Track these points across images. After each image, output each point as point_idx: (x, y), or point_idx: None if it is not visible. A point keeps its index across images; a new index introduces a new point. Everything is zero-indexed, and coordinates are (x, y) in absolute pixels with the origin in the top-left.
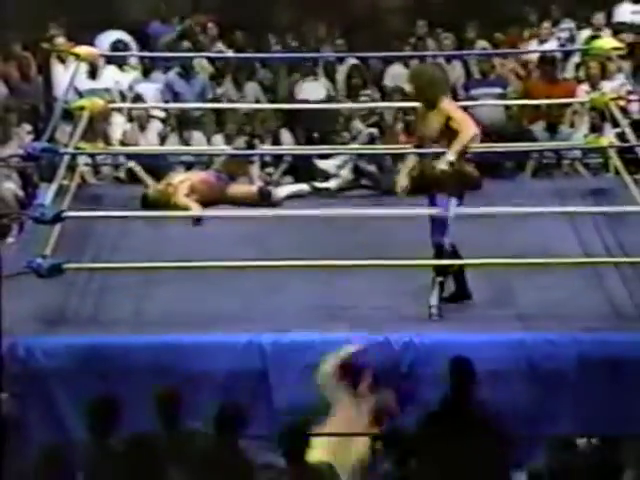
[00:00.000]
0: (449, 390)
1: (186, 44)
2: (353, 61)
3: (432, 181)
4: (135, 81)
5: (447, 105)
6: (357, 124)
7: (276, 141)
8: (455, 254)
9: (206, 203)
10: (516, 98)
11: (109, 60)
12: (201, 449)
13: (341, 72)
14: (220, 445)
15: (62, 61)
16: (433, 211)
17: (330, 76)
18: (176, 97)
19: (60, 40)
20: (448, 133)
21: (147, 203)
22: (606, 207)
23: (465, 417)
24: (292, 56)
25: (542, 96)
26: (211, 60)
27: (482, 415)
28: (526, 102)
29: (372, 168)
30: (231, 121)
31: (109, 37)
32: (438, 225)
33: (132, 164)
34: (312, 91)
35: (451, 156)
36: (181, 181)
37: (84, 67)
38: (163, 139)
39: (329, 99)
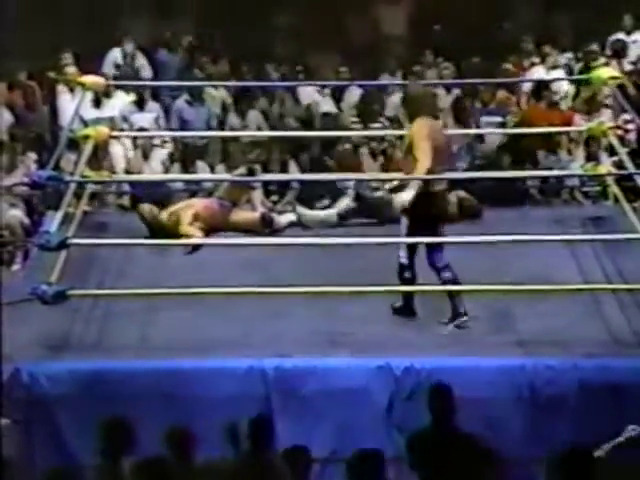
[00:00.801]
0: (431, 417)
1: (196, 72)
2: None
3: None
4: (129, 111)
5: (417, 128)
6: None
7: (284, 170)
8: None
9: (209, 230)
10: (515, 126)
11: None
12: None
13: (349, 100)
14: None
15: (71, 90)
16: (436, 239)
17: (337, 103)
18: (184, 125)
19: (70, 69)
20: (410, 158)
21: (153, 231)
22: (605, 235)
23: (448, 442)
24: (297, 84)
25: (542, 122)
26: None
27: (466, 440)
28: (526, 131)
29: (374, 195)
30: (235, 149)
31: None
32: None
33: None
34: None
35: (407, 197)
36: (184, 208)
37: (90, 96)
38: (167, 168)
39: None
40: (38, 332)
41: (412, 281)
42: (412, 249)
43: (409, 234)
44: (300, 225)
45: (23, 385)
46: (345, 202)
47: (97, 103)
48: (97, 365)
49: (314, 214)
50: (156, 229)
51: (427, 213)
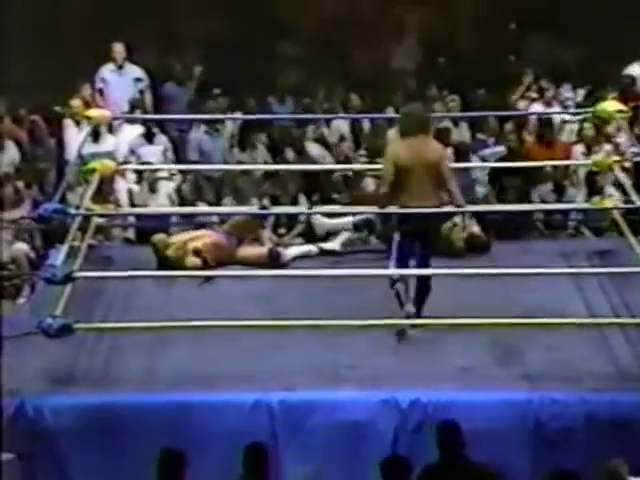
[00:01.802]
0: (438, 454)
1: (213, 104)
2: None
3: None
4: (136, 144)
5: (392, 148)
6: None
7: (294, 204)
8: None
9: (215, 264)
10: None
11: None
12: None
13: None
14: None
15: (77, 123)
16: (443, 271)
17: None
18: (203, 156)
19: (76, 102)
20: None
21: (162, 261)
22: (611, 268)
23: (457, 476)
24: (310, 117)
25: (542, 158)
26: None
27: (475, 474)
28: (531, 164)
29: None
30: (245, 184)
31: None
32: None
33: None
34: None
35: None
36: (192, 240)
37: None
38: (173, 201)
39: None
40: (43, 365)
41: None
42: (403, 265)
43: (399, 249)
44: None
45: (28, 419)
46: (363, 216)
47: (95, 137)
48: (102, 399)
49: (331, 221)
50: (164, 260)
51: (406, 228)
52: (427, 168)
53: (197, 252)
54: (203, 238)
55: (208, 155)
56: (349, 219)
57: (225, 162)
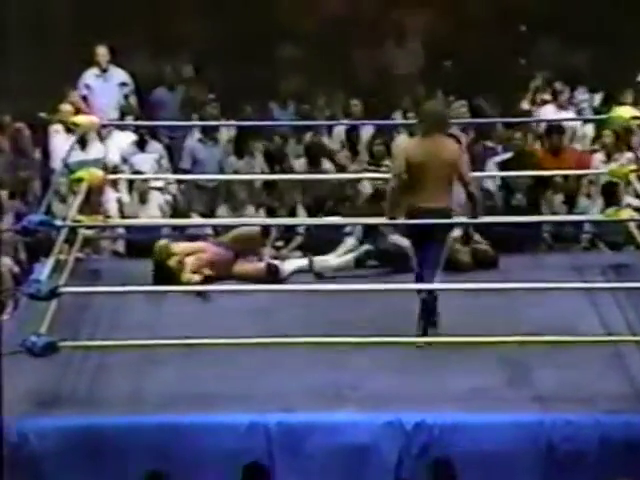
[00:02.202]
0: None
1: (210, 110)
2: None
3: None
4: (129, 153)
5: (405, 145)
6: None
7: (292, 215)
8: None
9: (211, 280)
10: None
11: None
12: None
13: (362, 140)
14: None
15: (68, 130)
16: (448, 286)
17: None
18: (196, 165)
19: (66, 107)
20: None
21: (159, 271)
22: (627, 283)
23: None
24: (310, 123)
25: (552, 167)
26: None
27: None
28: (544, 173)
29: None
30: (242, 193)
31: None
32: None
33: None
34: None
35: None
36: (192, 254)
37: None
38: (165, 212)
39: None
40: (27, 386)
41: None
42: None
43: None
44: (309, 271)
45: (11, 442)
46: (364, 248)
47: (83, 145)
48: (89, 421)
49: (331, 263)
50: (163, 269)
51: (413, 231)
52: (441, 168)
53: (195, 270)
54: (202, 253)
55: (201, 164)
56: (351, 256)
57: (221, 171)
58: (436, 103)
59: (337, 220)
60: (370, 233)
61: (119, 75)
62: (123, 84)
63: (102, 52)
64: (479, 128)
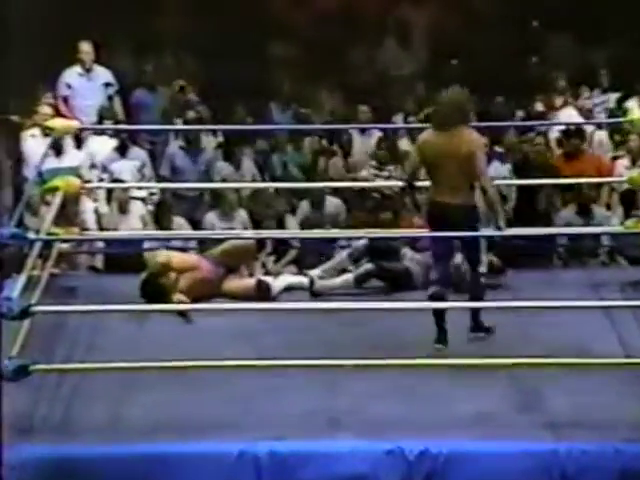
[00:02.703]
0: None
1: (191, 114)
2: (377, 133)
3: None
4: (109, 160)
5: (422, 136)
6: None
7: (280, 227)
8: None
9: (199, 298)
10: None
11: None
12: None
13: (365, 145)
14: None
15: (46, 135)
16: (454, 304)
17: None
18: (175, 173)
19: (45, 110)
20: None
21: (148, 289)
22: None
23: None
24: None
25: (569, 173)
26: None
27: None
28: (558, 181)
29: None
30: (230, 203)
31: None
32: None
33: None
34: None
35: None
36: (189, 272)
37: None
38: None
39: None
40: None
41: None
42: (444, 266)
43: (434, 249)
44: (306, 289)
45: None
46: (364, 267)
47: (59, 151)
48: (63, 450)
49: (330, 283)
50: (155, 285)
51: (431, 223)
52: (457, 163)
53: (187, 290)
54: (196, 271)
55: (181, 172)
56: (350, 276)
57: (205, 179)
58: (455, 92)
59: (341, 233)
60: (374, 249)
61: (104, 75)
62: (108, 84)
63: (86, 49)
64: (488, 132)
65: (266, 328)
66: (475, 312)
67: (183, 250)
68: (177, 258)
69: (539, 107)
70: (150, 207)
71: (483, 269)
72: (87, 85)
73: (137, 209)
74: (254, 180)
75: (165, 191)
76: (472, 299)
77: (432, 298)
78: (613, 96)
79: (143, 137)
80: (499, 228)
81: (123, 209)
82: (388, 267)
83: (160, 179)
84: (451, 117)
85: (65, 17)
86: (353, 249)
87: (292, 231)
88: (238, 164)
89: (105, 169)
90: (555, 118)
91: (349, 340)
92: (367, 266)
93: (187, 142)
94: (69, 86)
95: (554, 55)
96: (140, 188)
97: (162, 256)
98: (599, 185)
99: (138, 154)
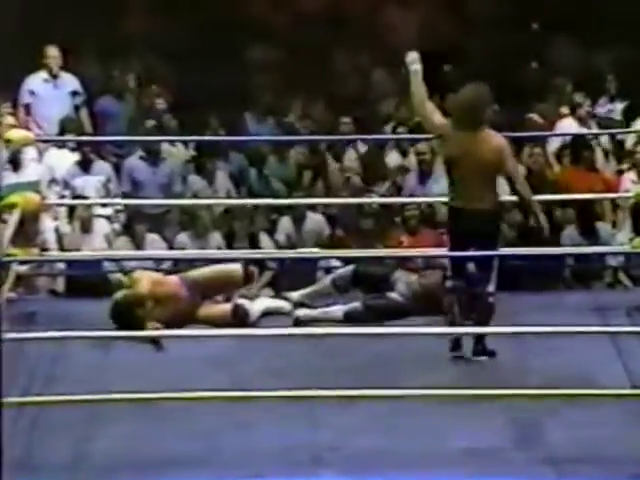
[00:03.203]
0: None
1: (150, 122)
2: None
3: None
4: (70, 175)
5: (447, 131)
6: None
7: (254, 245)
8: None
9: (171, 324)
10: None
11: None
12: None
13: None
14: None
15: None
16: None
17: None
18: (136, 187)
19: (9, 120)
20: None
21: (122, 315)
22: None
23: None
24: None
25: (576, 188)
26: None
27: None
28: (562, 197)
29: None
30: (204, 224)
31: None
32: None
33: None
34: None
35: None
36: (167, 299)
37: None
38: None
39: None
40: None
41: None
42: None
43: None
44: (282, 314)
45: None
46: (353, 306)
47: (16, 165)
48: None
49: (315, 313)
50: (129, 318)
51: (452, 230)
52: (480, 167)
53: (163, 320)
54: (174, 299)
55: (142, 186)
56: (339, 313)
57: (169, 194)
58: (477, 89)
59: (329, 253)
60: (361, 277)
61: (71, 82)
62: (75, 93)
63: (53, 54)
64: None
65: (243, 356)
66: (480, 334)
67: (157, 270)
68: (160, 287)
69: (537, 119)
70: (116, 226)
71: (492, 288)
72: (53, 93)
73: (101, 228)
74: (229, 196)
75: (129, 208)
76: (478, 320)
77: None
78: (619, 106)
79: (108, 149)
80: (541, 229)
81: (86, 228)
82: (377, 305)
83: (121, 195)
84: (475, 116)
85: (27, 19)
86: (337, 276)
87: (277, 251)
88: (211, 178)
89: (67, 185)
90: (555, 129)
91: (332, 369)
92: (356, 305)
93: (147, 152)
94: (32, 93)
95: (555, 59)
96: (105, 205)
97: (145, 282)
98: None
99: (103, 168)
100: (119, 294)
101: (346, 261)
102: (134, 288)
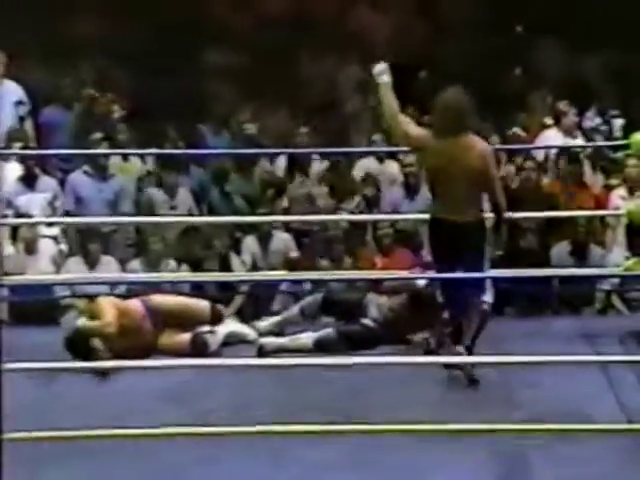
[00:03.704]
0: None
1: (99, 135)
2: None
3: None
4: (13, 192)
5: (428, 137)
6: None
7: (225, 267)
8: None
9: (130, 355)
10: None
11: None
12: None
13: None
14: None
15: None
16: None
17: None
18: (80, 204)
19: None
20: None
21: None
22: None
23: None
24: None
25: (563, 206)
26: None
27: None
28: (549, 214)
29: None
30: (157, 252)
31: None
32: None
33: None
34: None
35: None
36: (124, 333)
37: None
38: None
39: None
40: None
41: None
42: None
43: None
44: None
45: None
46: (325, 332)
47: None
48: None
49: (280, 342)
50: (84, 351)
51: (435, 244)
52: (467, 174)
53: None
54: (136, 334)
55: (87, 204)
56: (308, 341)
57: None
58: (457, 94)
59: (296, 275)
60: (330, 304)
61: (15, 91)
62: (19, 102)
63: None
64: None
65: (205, 388)
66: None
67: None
68: (126, 317)
69: (519, 132)
70: (63, 246)
71: (488, 298)
72: None
73: (47, 249)
74: (190, 213)
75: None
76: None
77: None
78: (618, 122)
79: (54, 164)
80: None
81: (31, 249)
82: (350, 332)
83: (64, 213)
84: (459, 122)
85: None
86: (306, 304)
87: (242, 274)
88: (172, 194)
89: (10, 204)
90: (537, 141)
91: (300, 401)
92: (328, 332)
93: (93, 167)
94: None
95: (541, 66)
96: (51, 224)
97: (110, 312)
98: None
99: (48, 184)
100: (80, 323)
101: (315, 284)
102: (99, 317)
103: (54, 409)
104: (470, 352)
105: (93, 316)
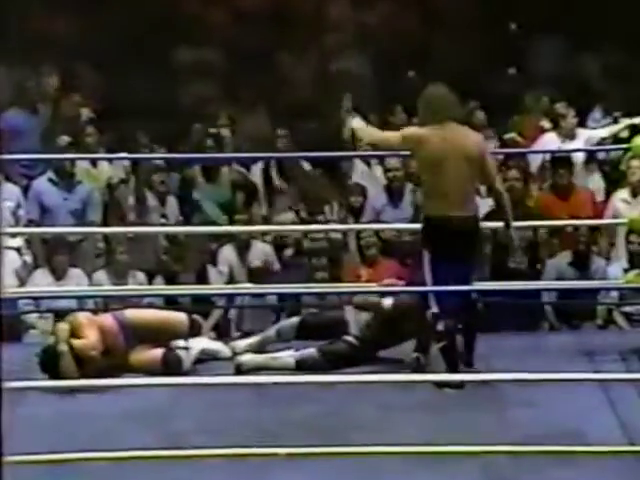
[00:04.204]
0: None
1: (66, 139)
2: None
3: None
4: None
5: (418, 131)
6: None
7: (202, 280)
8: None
9: (104, 374)
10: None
11: None
12: None
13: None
14: None
15: None
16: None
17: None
18: (45, 213)
19: None
20: None
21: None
22: None
23: None
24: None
25: (558, 214)
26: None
27: None
28: (548, 223)
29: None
30: (122, 262)
31: None
32: None
33: None
34: None
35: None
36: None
37: None
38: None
39: None
40: None
41: (451, 336)
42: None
43: (433, 276)
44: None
45: None
46: (309, 350)
47: None
48: None
49: (259, 361)
50: (56, 366)
51: (431, 240)
52: (467, 162)
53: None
54: (110, 355)
55: (53, 214)
56: (290, 360)
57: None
58: (437, 87)
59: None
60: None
61: None
62: None
63: None
64: None
65: (178, 408)
66: (470, 347)
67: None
68: (108, 336)
69: (516, 137)
70: (27, 258)
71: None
72: None
73: (10, 262)
74: (177, 222)
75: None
76: (468, 331)
77: (445, 334)
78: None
79: (17, 170)
80: (508, 226)
81: None
82: (334, 350)
83: (28, 223)
84: (454, 108)
85: None
86: (282, 327)
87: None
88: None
89: None
90: (534, 146)
91: (281, 422)
92: (310, 351)
93: (57, 174)
94: None
95: (536, 65)
96: (14, 235)
97: (92, 331)
98: (594, 228)
99: (12, 192)
100: (62, 344)
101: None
102: (80, 337)
103: (19, 430)
104: (470, 365)
105: (74, 334)
